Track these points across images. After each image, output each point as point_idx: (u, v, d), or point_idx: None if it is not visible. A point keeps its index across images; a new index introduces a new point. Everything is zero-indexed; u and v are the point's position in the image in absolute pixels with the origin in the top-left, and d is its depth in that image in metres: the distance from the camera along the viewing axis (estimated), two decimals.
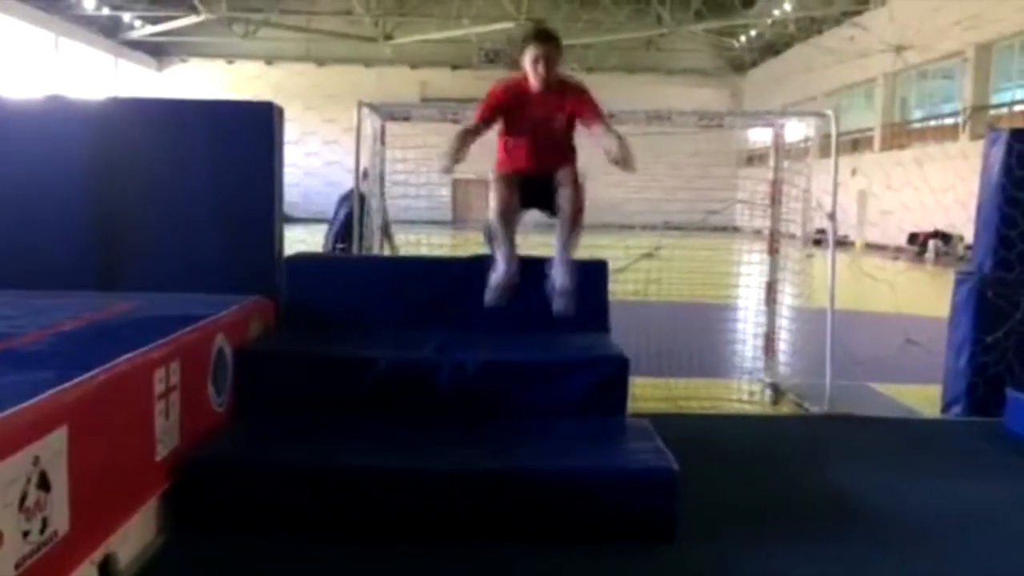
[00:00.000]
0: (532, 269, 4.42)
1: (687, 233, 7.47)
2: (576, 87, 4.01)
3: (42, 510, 2.47)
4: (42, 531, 2.47)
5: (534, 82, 3.89)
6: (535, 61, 3.84)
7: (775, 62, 38.50)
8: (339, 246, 8.64)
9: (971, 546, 3.61)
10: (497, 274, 3.96)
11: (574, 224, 3.91)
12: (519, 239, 4.14)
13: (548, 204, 4.03)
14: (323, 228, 9.54)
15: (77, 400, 2.71)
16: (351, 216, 6.94)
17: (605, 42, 36.49)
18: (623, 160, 3.76)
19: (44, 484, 2.48)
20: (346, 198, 8.73)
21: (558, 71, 3.93)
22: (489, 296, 3.92)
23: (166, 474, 3.37)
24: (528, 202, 4.03)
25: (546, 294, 4.28)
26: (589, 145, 4.12)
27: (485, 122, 3.91)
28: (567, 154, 4.08)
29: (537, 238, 4.64)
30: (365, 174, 6.87)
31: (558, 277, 3.98)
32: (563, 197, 3.91)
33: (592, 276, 4.72)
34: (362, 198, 6.72)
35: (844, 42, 29.81)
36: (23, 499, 2.38)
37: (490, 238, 4.17)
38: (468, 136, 3.84)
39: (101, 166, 4.76)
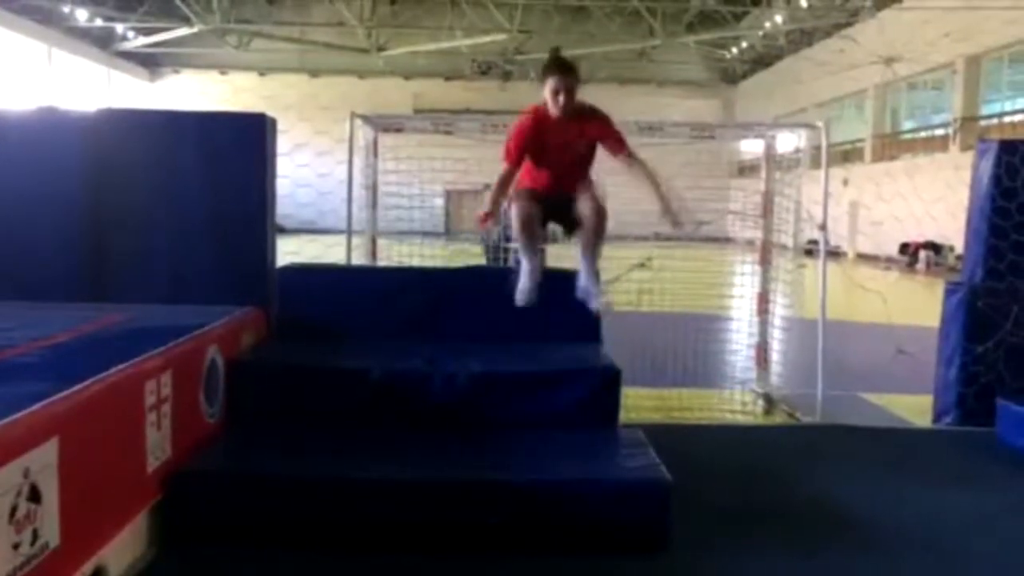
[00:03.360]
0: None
1: (679, 244, 7.48)
2: (598, 115, 4.06)
3: (32, 522, 2.46)
4: (32, 543, 2.46)
5: (554, 112, 3.95)
6: (555, 92, 3.91)
7: (766, 74, 38.68)
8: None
9: (963, 555, 3.61)
10: (524, 279, 4.06)
11: (597, 232, 3.98)
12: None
13: (566, 220, 4.09)
14: (314, 239, 9.53)
15: (68, 412, 2.70)
16: None
17: (598, 53, 36.59)
18: (671, 213, 3.86)
19: (35, 496, 2.47)
20: None
21: (578, 100, 4.00)
22: (519, 298, 4.03)
23: (157, 486, 3.35)
24: (547, 218, 4.09)
25: (545, 300, 4.30)
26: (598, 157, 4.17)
27: (517, 162, 3.98)
28: (587, 177, 4.15)
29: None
30: None
31: (586, 283, 4.05)
32: (584, 207, 3.97)
33: None
34: None
35: (835, 54, 29.99)
36: (13, 511, 2.37)
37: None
38: (506, 181, 3.96)
39: (94, 177, 4.76)
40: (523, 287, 4.07)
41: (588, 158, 4.06)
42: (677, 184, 7.43)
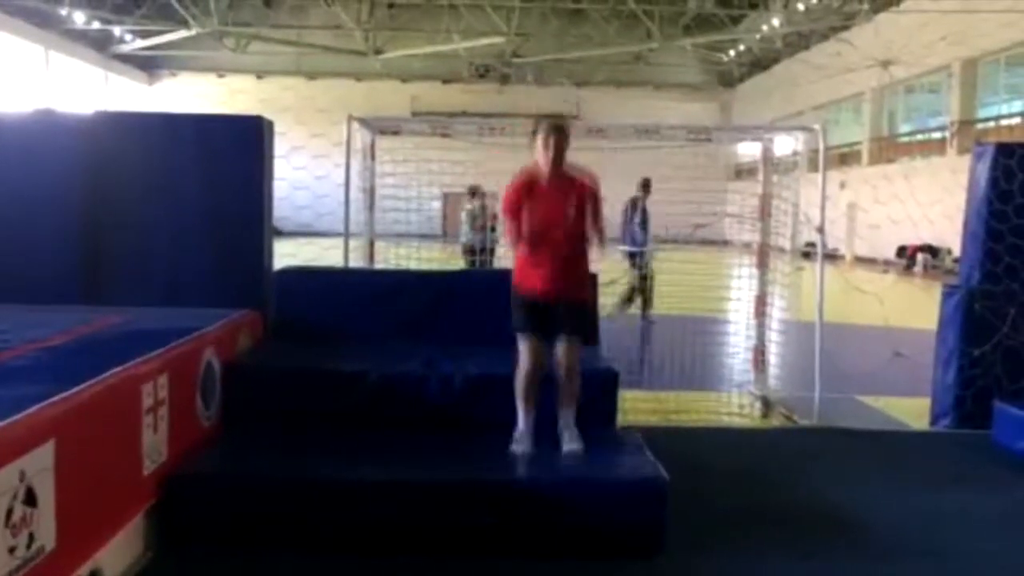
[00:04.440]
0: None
1: (676, 246, 7.49)
2: (587, 178, 4.09)
3: (28, 525, 2.45)
4: (28, 546, 2.45)
5: (543, 164, 3.98)
6: (546, 139, 3.97)
7: (763, 77, 38.71)
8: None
9: (959, 557, 3.62)
10: (518, 432, 3.99)
11: (573, 393, 4.04)
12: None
13: (555, 329, 4.07)
14: (311, 242, 9.55)
15: (64, 415, 2.70)
16: None
17: (595, 56, 36.60)
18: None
19: (31, 499, 2.46)
20: None
21: (567, 161, 4.05)
22: (514, 449, 3.95)
23: (153, 488, 3.35)
24: (546, 332, 4.08)
25: None
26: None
27: (516, 216, 4.05)
28: (581, 272, 4.15)
29: None
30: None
31: (562, 429, 4.01)
32: (564, 370, 4.00)
33: None
34: None
35: (831, 57, 30.00)
36: (9, 514, 2.36)
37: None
38: (516, 238, 4.04)
39: (91, 180, 4.76)
40: (519, 436, 3.98)
41: (579, 229, 4.02)
42: (674, 187, 7.46)
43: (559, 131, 4.02)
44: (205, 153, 4.81)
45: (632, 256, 10.56)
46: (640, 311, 10.34)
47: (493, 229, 10.98)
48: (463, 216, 12.01)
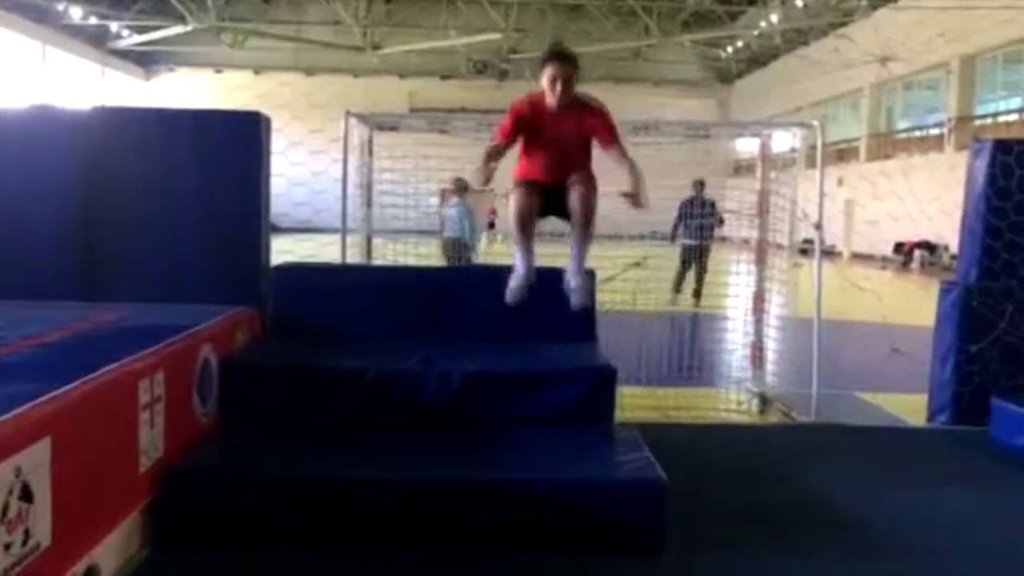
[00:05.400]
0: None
1: (675, 242, 7.48)
2: (595, 107, 4.01)
3: (24, 522, 2.45)
4: (24, 543, 2.45)
5: (551, 101, 3.91)
6: (552, 81, 3.86)
7: (762, 73, 38.71)
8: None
9: (958, 555, 3.61)
10: (516, 277, 4.00)
11: (586, 222, 3.93)
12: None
13: (564, 210, 4.04)
14: (309, 238, 9.55)
15: (60, 411, 2.69)
16: None
17: (593, 52, 36.56)
18: (635, 196, 3.80)
19: (27, 496, 2.45)
20: None
21: (576, 91, 3.96)
22: (509, 296, 3.96)
23: (150, 485, 3.34)
24: (546, 211, 4.04)
25: (540, 299, 4.27)
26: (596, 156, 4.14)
27: (508, 140, 3.92)
28: (584, 164, 4.10)
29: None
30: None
31: (572, 276, 4.01)
32: (575, 196, 3.92)
33: None
34: None
35: (830, 53, 30.01)
36: (5, 511, 2.36)
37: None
38: (494, 153, 3.88)
39: (88, 176, 4.74)
40: (514, 285, 4.01)
41: (583, 151, 4.01)
42: (673, 183, 7.45)
43: (566, 63, 3.88)
44: (202, 149, 4.79)
45: (690, 250, 11.31)
46: (694, 302, 10.87)
47: (473, 229, 10.77)
48: (449, 212, 11.00)
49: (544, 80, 3.89)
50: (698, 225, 11.04)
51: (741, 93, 41.11)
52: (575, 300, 4.01)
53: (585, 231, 3.96)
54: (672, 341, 7.41)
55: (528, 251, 4.00)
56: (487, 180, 3.80)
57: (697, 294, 11.18)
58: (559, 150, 3.97)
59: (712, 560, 3.46)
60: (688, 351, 7.26)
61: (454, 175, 8.98)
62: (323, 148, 37.08)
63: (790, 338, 7.00)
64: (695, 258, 11.30)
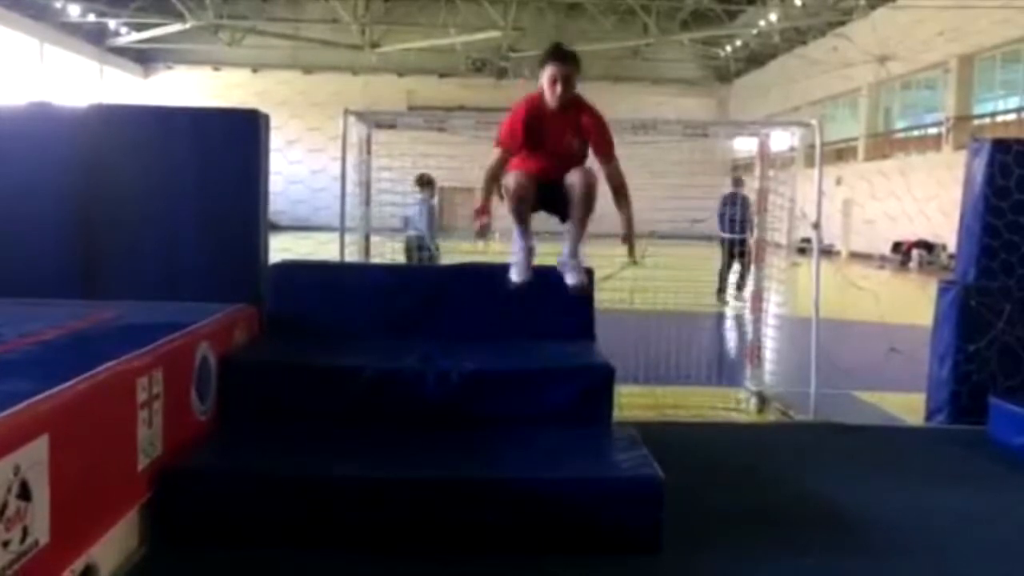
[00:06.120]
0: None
1: (673, 242, 7.48)
2: (592, 111, 4.00)
3: (22, 520, 2.44)
4: (22, 541, 2.44)
5: (550, 100, 3.88)
6: (552, 80, 3.84)
7: (760, 72, 38.71)
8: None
9: (956, 555, 3.62)
10: (516, 253, 3.98)
11: (585, 198, 3.89)
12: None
13: (559, 208, 4.03)
14: (308, 236, 9.53)
15: (58, 409, 2.69)
16: None
17: (591, 51, 36.56)
18: (631, 245, 3.84)
19: (25, 494, 2.45)
20: None
21: (576, 93, 3.94)
22: (513, 274, 3.93)
23: (148, 484, 3.34)
24: (541, 204, 4.02)
25: (538, 298, 4.26)
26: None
27: (510, 148, 3.88)
28: (580, 161, 4.10)
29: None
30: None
31: (568, 257, 3.98)
32: (575, 177, 3.88)
33: None
34: None
35: (828, 53, 30.02)
36: (3, 508, 2.35)
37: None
38: (497, 169, 3.86)
39: (85, 173, 4.73)
40: (516, 262, 3.98)
41: (581, 154, 4.01)
42: (671, 182, 7.45)
43: (566, 62, 3.86)
44: (201, 147, 4.79)
45: (731, 244, 11.55)
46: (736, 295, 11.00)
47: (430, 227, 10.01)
48: (412, 211, 9.89)
49: (544, 79, 3.88)
50: (739, 220, 11.01)
51: (740, 92, 41.12)
52: (570, 280, 3.94)
53: (584, 208, 3.91)
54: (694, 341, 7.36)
55: (526, 228, 3.99)
56: (491, 198, 3.81)
57: (739, 287, 11.19)
58: (557, 154, 3.95)
59: (710, 559, 3.46)
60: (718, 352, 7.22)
61: (450, 173, 8.87)
62: (321, 146, 37.10)
63: (788, 337, 7.00)
64: (738, 254, 11.25)
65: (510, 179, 3.90)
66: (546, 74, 3.86)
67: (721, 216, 11.97)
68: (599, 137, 3.94)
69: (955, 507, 4.14)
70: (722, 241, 12.19)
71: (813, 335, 6.22)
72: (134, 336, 3.58)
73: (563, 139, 3.92)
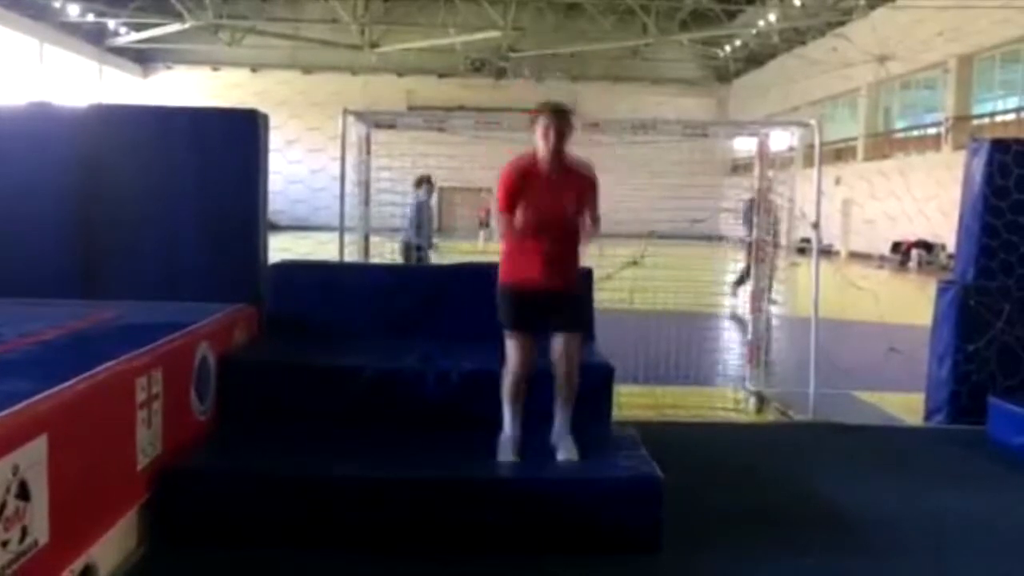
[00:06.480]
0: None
1: (672, 241, 7.48)
2: (588, 174, 3.97)
3: (22, 520, 2.44)
4: (21, 541, 2.44)
5: (543, 154, 3.84)
6: (546, 130, 3.81)
7: (759, 72, 38.71)
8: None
9: (956, 555, 3.62)
10: (503, 437, 3.90)
11: (569, 384, 3.92)
12: None
13: (550, 325, 3.96)
14: (307, 236, 9.53)
15: (58, 409, 2.69)
16: None
17: (591, 51, 36.60)
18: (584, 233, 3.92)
19: (24, 493, 2.45)
20: None
21: (568, 152, 3.91)
22: (499, 455, 3.87)
23: (148, 483, 3.34)
24: (537, 326, 3.96)
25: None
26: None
27: (512, 208, 3.87)
28: (574, 264, 4.06)
29: None
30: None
31: (559, 437, 3.91)
32: (561, 362, 3.87)
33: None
34: None
35: (828, 53, 30.02)
36: (2, 508, 2.35)
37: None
38: (508, 224, 3.86)
39: (85, 173, 4.73)
40: (502, 445, 3.86)
41: (576, 227, 3.92)
42: (671, 182, 7.46)
43: (561, 117, 3.84)
44: (200, 147, 4.79)
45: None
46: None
47: (420, 226, 9.73)
48: (408, 211, 9.54)
49: (538, 130, 3.84)
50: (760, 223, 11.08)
51: (739, 92, 41.12)
52: (562, 456, 3.81)
53: (570, 393, 3.91)
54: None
55: (516, 414, 3.89)
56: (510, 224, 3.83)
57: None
58: (552, 231, 3.85)
59: (710, 558, 3.47)
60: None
61: (450, 173, 8.82)
62: (321, 146, 37.08)
63: (787, 337, 7.00)
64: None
65: (508, 361, 3.85)
66: (540, 125, 3.83)
67: (747, 219, 11.92)
68: (591, 204, 3.91)
69: (955, 507, 4.14)
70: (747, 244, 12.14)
71: (812, 335, 6.22)
72: (134, 336, 3.58)
73: (558, 204, 3.82)
